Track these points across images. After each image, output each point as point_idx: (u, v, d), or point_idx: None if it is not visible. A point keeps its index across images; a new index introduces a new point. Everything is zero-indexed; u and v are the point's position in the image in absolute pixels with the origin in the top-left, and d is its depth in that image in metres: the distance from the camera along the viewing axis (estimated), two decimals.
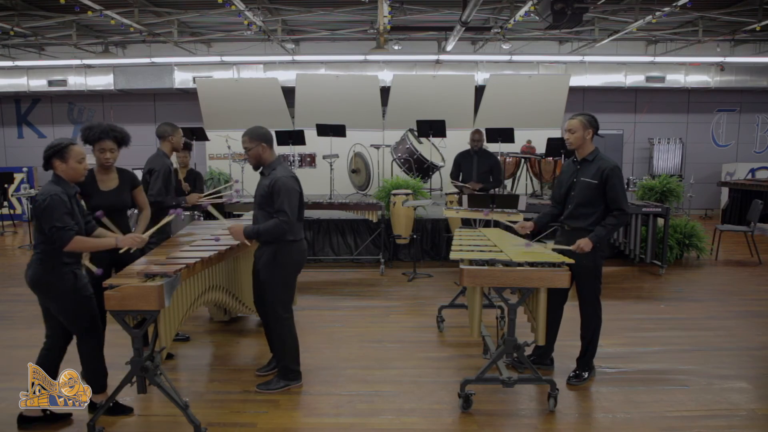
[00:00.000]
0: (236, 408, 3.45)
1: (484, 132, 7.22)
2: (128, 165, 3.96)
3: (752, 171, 12.35)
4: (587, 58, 11.51)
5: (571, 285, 3.39)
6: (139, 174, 4.24)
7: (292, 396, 3.62)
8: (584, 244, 3.55)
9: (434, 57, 11.63)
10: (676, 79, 12.14)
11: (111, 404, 3.16)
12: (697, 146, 13.13)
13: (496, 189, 7.15)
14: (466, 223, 6.16)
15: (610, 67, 12.03)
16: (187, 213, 6.03)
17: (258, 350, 4.45)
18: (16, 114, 13.05)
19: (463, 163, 7.00)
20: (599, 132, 3.76)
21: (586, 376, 3.79)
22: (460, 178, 6.98)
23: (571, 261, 3.36)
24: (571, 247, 3.57)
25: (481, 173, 6.87)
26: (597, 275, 3.69)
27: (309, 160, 7.89)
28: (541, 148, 9.57)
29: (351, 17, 10.26)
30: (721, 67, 11.93)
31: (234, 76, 11.69)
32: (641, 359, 4.21)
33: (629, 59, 11.91)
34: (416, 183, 7.95)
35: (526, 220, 4.25)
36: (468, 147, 7.02)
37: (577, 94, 12.03)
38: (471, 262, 3.45)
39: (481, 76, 11.66)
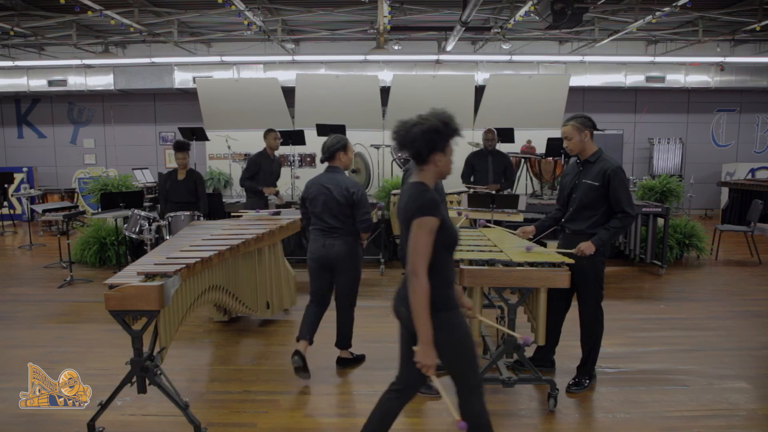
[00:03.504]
0: (236, 408, 3.45)
1: (495, 131, 7.17)
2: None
3: (752, 171, 12.35)
4: (587, 58, 11.50)
5: (571, 287, 3.36)
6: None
7: (292, 396, 3.63)
8: (585, 247, 3.44)
9: (434, 57, 11.63)
10: (676, 79, 12.14)
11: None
12: (697, 146, 13.12)
13: (509, 189, 7.11)
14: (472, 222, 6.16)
15: (610, 67, 12.03)
16: (188, 213, 6.04)
17: (258, 350, 4.45)
18: (16, 114, 13.04)
19: (477, 164, 6.93)
20: (599, 129, 3.68)
21: (587, 384, 3.70)
22: (473, 179, 6.91)
23: (571, 261, 3.35)
24: (572, 251, 3.48)
25: (496, 173, 6.84)
26: (597, 280, 3.56)
27: (309, 160, 7.89)
28: (541, 148, 9.56)
29: (351, 17, 10.26)
30: (721, 67, 11.92)
31: (234, 76, 11.69)
32: (641, 359, 4.21)
33: (629, 59, 11.90)
34: None
35: (527, 221, 4.24)
36: (471, 149, 7.01)
37: (577, 94, 12.02)
38: (471, 262, 3.45)
39: (481, 76, 11.66)
